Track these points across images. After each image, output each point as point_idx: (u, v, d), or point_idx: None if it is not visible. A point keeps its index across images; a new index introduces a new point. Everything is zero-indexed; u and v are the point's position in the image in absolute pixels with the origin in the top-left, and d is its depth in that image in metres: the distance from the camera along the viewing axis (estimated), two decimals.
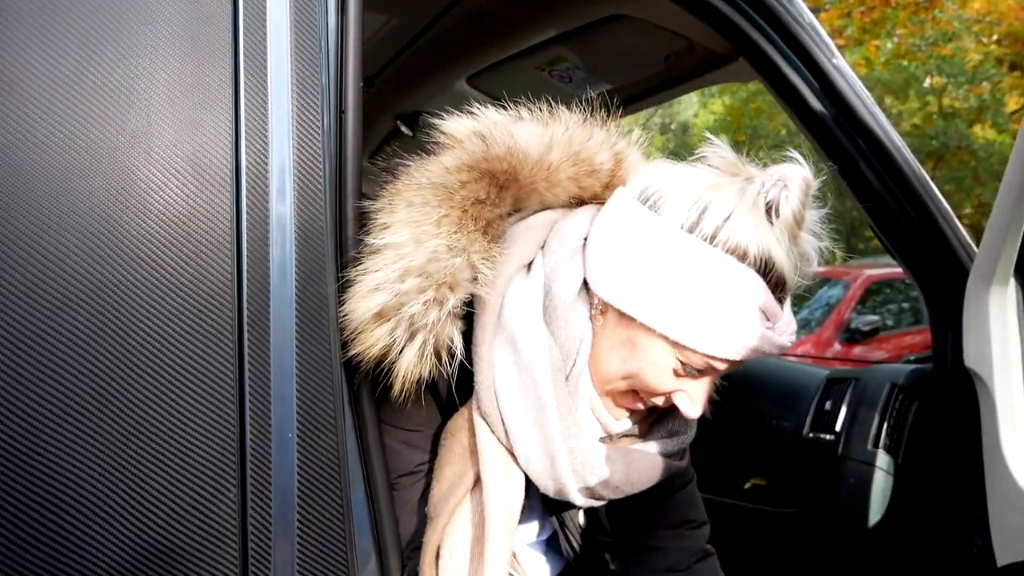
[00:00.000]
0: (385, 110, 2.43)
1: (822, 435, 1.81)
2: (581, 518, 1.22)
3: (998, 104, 14.48)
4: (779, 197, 0.94)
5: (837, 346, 6.50)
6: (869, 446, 1.71)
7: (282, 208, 0.85)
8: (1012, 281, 1.46)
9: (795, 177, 0.95)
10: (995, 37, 14.41)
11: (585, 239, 1.02)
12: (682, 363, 0.97)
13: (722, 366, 0.97)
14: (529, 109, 1.04)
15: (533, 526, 1.20)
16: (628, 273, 0.95)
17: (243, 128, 0.84)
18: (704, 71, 1.73)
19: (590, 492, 1.03)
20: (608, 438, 1.07)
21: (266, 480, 0.82)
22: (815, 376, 1.97)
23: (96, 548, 0.75)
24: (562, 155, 1.02)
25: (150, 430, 0.77)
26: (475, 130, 1.01)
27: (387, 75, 2.25)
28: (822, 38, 1.47)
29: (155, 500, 0.77)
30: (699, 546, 1.23)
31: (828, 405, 1.83)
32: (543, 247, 1.04)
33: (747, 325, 0.94)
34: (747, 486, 2.02)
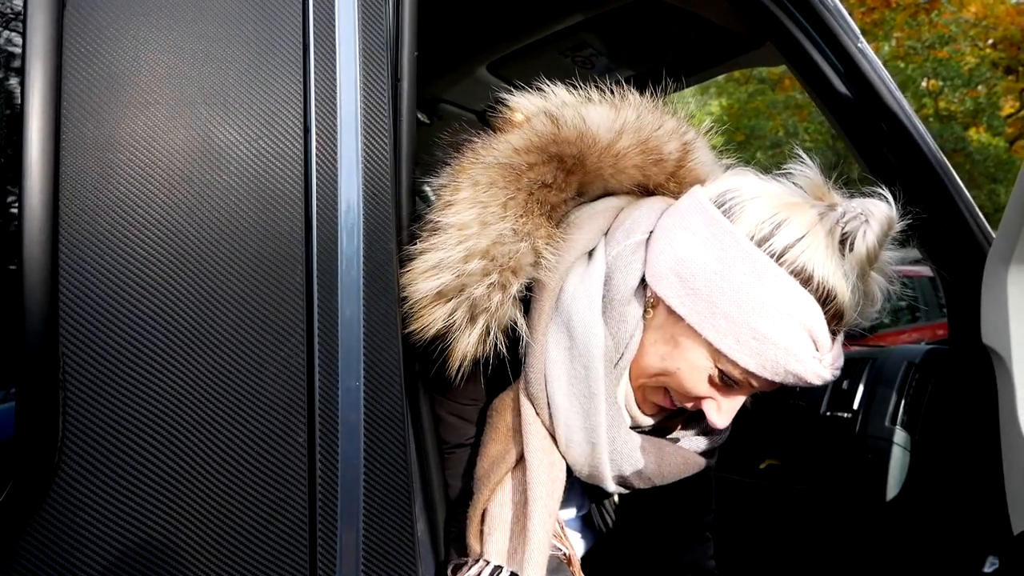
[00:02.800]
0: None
1: (840, 413, 1.84)
2: (616, 496, 1.24)
3: (993, 107, 14.59)
4: (857, 231, 0.93)
5: None
6: (887, 423, 1.74)
7: (350, 165, 0.88)
8: None
9: (878, 214, 0.94)
10: (991, 41, 14.53)
11: (651, 233, 1.01)
12: (720, 372, 0.96)
13: (759, 384, 0.97)
14: (600, 91, 1.03)
15: (573, 504, 1.22)
16: (687, 272, 0.95)
17: (312, 88, 0.88)
18: (728, 56, 1.77)
19: (622, 480, 1.04)
20: (639, 431, 1.07)
21: (333, 429, 0.86)
22: None
23: (174, 508, 0.78)
24: (631, 142, 1.01)
25: (230, 372, 0.81)
26: (545, 109, 1.00)
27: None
28: (847, 22, 1.50)
29: (227, 429, 0.81)
30: (700, 530, 1.27)
31: (845, 384, 1.87)
32: (606, 234, 1.03)
33: (794, 350, 0.92)
34: (763, 466, 2.06)
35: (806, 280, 0.92)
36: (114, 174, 0.77)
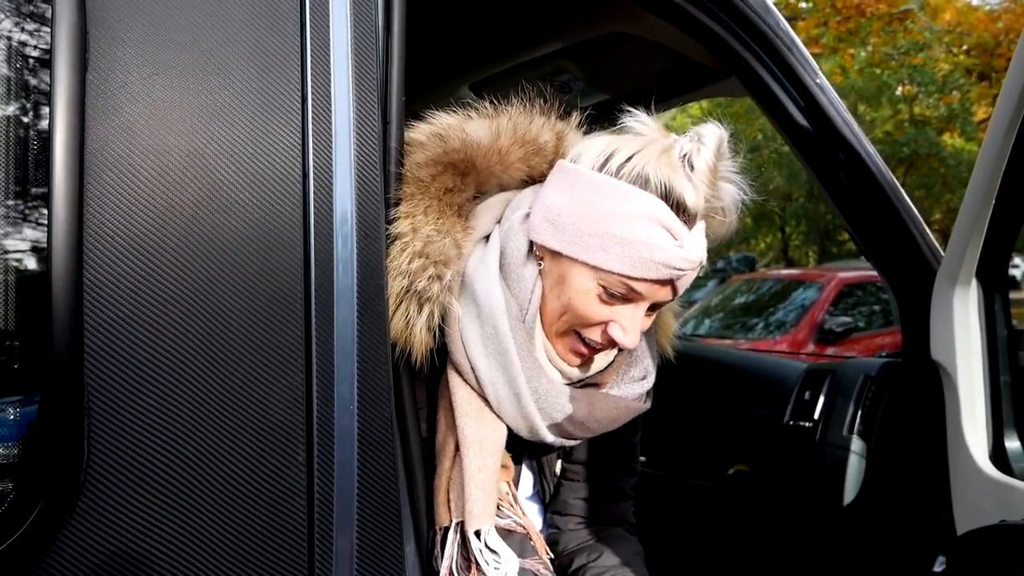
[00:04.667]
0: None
1: (802, 422, 1.95)
2: (559, 467, 1.37)
3: (967, 113, 14.85)
4: (693, 150, 1.07)
5: (811, 346, 6.70)
6: (844, 432, 1.86)
7: (345, 209, 0.97)
8: (974, 281, 1.61)
9: (708, 134, 1.09)
10: (965, 48, 14.80)
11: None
12: (604, 288, 1.08)
13: (642, 287, 1.08)
14: (476, 109, 1.20)
15: (527, 479, 1.35)
16: (552, 215, 1.10)
17: (310, 137, 0.96)
18: (698, 86, 1.87)
19: (559, 429, 1.17)
20: (574, 385, 1.20)
21: (329, 447, 0.94)
22: (795, 368, 2.12)
23: (175, 511, 0.87)
24: (509, 140, 1.17)
25: (230, 399, 0.89)
26: (433, 132, 1.16)
27: None
28: (806, 58, 1.61)
29: (235, 448, 0.89)
30: (625, 487, 1.40)
31: (807, 395, 1.98)
32: (499, 221, 1.20)
33: (652, 242, 1.05)
34: (731, 472, 2.16)
35: (644, 183, 1.06)
36: (132, 220, 0.86)
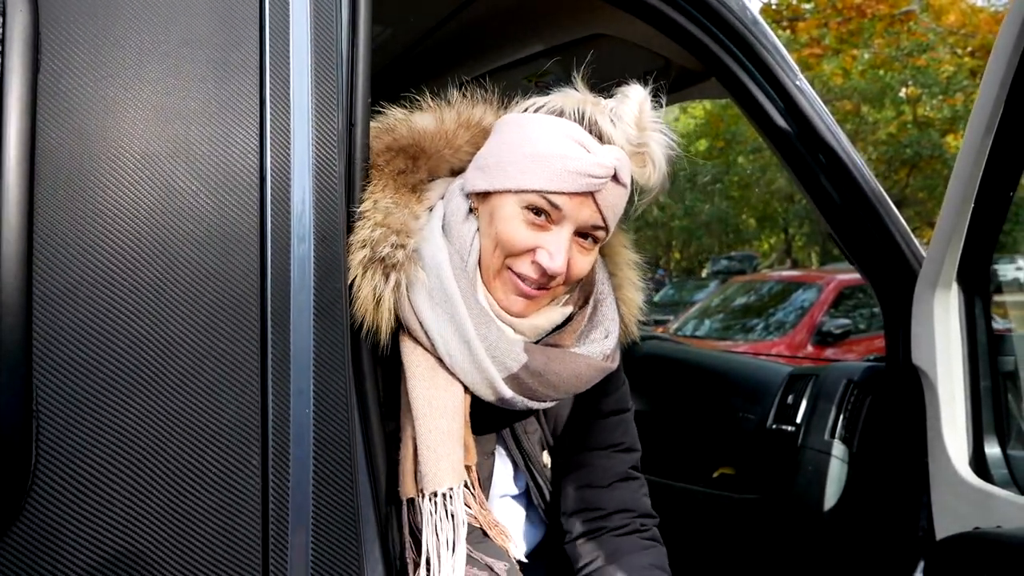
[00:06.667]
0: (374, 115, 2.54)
1: (784, 426, 1.94)
2: (546, 458, 1.35)
3: (970, 115, 14.76)
4: (616, 104, 1.17)
5: (809, 348, 6.68)
6: (826, 436, 1.84)
7: (302, 212, 0.97)
8: (955, 285, 1.60)
9: (632, 91, 1.18)
10: (969, 49, 14.74)
11: None
12: (527, 208, 1.14)
13: (560, 200, 1.13)
14: (429, 104, 1.28)
15: (507, 474, 1.33)
16: (480, 161, 1.20)
17: (268, 140, 0.96)
18: (680, 87, 1.86)
19: (519, 384, 1.17)
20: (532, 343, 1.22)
21: (285, 448, 0.94)
22: (779, 372, 2.11)
23: (129, 513, 0.86)
24: (454, 124, 1.26)
25: (183, 402, 0.89)
26: (382, 126, 1.24)
27: (378, 82, 2.37)
28: (786, 61, 1.60)
29: (188, 452, 0.89)
30: (622, 468, 1.37)
31: (790, 399, 1.97)
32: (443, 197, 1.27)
33: (568, 153, 1.12)
34: (716, 475, 2.15)
35: (559, 114, 1.17)
36: (83, 224, 0.85)
